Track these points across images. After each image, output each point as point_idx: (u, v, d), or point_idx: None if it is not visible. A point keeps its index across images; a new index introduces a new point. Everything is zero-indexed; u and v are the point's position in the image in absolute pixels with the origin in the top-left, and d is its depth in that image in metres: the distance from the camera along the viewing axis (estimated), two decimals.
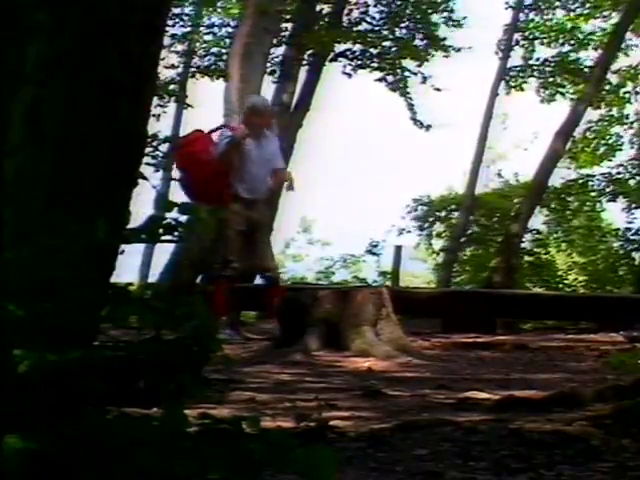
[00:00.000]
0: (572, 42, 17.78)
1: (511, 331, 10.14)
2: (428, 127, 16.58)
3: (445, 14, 16.25)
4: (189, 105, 18.49)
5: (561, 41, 17.73)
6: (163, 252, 12.71)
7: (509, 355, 7.72)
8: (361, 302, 7.35)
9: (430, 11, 16.10)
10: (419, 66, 16.06)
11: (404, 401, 4.97)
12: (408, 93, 16.39)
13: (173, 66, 17.62)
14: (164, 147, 18.41)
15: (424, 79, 16.17)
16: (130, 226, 2.19)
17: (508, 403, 4.57)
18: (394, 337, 7.35)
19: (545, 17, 18.08)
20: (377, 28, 15.91)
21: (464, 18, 16.22)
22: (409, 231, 18.68)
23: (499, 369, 6.73)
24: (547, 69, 17.64)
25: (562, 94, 17.96)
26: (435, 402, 4.92)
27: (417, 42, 16.08)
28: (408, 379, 6.00)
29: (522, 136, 20.93)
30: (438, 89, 16.15)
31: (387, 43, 15.92)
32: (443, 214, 18.92)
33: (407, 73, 16.12)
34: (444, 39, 16.03)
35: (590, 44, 17.80)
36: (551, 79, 17.81)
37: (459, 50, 16.07)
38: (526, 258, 17.18)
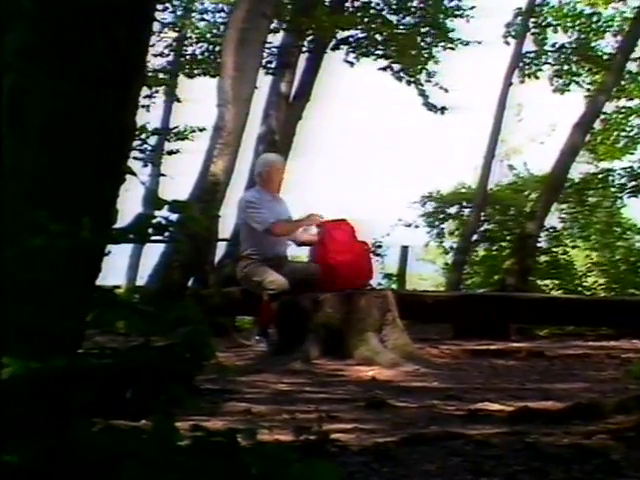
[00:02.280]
0: (590, 28, 17.78)
1: (526, 337, 10.15)
2: (443, 110, 16.56)
3: (453, 3, 16.29)
4: (179, 100, 18.54)
5: (578, 27, 17.73)
6: (152, 253, 12.71)
7: (524, 363, 7.73)
8: (365, 306, 7.35)
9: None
10: (425, 63, 16.12)
11: (411, 412, 4.98)
12: (418, 79, 16.40)
13: (162, 54, 17.64)
14: (153, 140, 18.47)
15: (429, 75, 16.23)
16: (117, 225, 2.20)
17: (523, 415, 4.58)
18: (400, 344, 7.35)
19: (562, 1, 18.09)
20: (383, 13, 15.93)
21: (472, 8, 16.25)
22: (417, 226, 18.61)
23: (513, 378, 6.74)
24: (562, 56, 17.64)
25: (578, 83, 17.95)
26: (444, 414, 4.93)
27: (423, 34, 16.12)
28: (415, 389, 6.01)
29: (537, 129, 20.90)
30: (444, 89, 16.21)
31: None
32: (454, 210, 18.89)
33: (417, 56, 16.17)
34: (452, 30, 16.08)
35: (609, 30, 17.80)
36: (566, 67, 17.80)
37: (467, 44, 16.10)
38: (542, 259, 17.16)
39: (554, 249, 17.71)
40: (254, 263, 8.04)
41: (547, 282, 17.15)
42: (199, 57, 17.22)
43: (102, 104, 2.12)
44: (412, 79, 16.29)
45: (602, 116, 17.56)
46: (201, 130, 17.61)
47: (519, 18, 17.47)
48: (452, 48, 16.05)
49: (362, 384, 6.27)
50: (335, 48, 15.39)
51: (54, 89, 2.09)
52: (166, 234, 2.22)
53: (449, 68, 16.69)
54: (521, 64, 17.39)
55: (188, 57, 17.51)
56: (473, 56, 22.26)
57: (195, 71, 17.10)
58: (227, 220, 12.34)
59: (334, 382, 6.34)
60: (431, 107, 16.48)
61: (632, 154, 18.99)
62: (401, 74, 16.33)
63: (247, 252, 8.15)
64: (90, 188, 2.12)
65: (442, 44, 16.14)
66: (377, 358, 7.05)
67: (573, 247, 18.60)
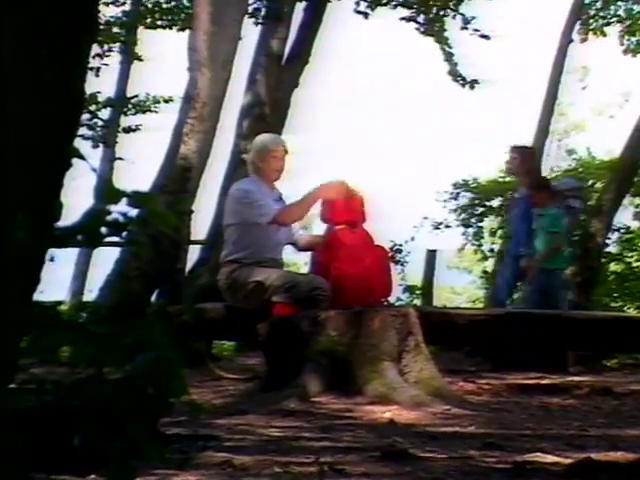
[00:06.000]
0: None
1: (589, 369, 10.17)
2: (473, 84, 16.62)
3: None
4: (139, 58, 18.54)
5: None
6: (104, 259, 12.75)
7: (586, 403, 7.75)
8: (380, 328, 7.37)
9: None
10: (456, 5, 16.14)
11: (440, 465, 5.00)
12: (446, 38, 16.44)
13: (117, 2, 17.69)
14: (106, 114, 18.50)
15: (465, 22, 16.24)
16: (61, 223, 2.22)
17: (584, 468, 4.60)
18: (425, 377, 7.37)
19: None
20: None
21: None
22: (448, 225, 18.57)
23: (572, 422, 6.76)
24: (636, 6, 17.67)
25: None
26: (483, 466, 4.95)
27: None
28: (445, 435, 6.03)
29: (606, 99, 20.92)
30: (485, 36, 16.22)
31: None
32: (496, 204, 18.89)
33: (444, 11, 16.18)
34: None
35: None
36: None
37: None
38: (611, 267, 17.19)
39: (626, 255, 17.72)
40: (245, 266, 8.09)
41: (616, 298, 17.18)
42: (164, 6, 17.27)
43: (41, 68, 2.14)
44: (440, 33, 16.32)
45: None
46: (167, 101, 17.68)
47: None
48: None
49: (376, 428, 6.29)
50: None
51: None
52: (123, 235, 2.24)
53: (490, 17, 16.75)
54: (584, 17, 17.41)
55: (150, 6, 17.56)
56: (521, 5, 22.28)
57: (159, 22, 17.13)
58: (202, 216, 12.36)
59: (339, 426, 6.36)
60: (457, 78, 16.53)
61: None
62: (428, 27, 16.36)
63: (235, 256, 8.18)
64: (26, 176, 2.14)
65: None
66: (395, 395, 7.07)
67: None
